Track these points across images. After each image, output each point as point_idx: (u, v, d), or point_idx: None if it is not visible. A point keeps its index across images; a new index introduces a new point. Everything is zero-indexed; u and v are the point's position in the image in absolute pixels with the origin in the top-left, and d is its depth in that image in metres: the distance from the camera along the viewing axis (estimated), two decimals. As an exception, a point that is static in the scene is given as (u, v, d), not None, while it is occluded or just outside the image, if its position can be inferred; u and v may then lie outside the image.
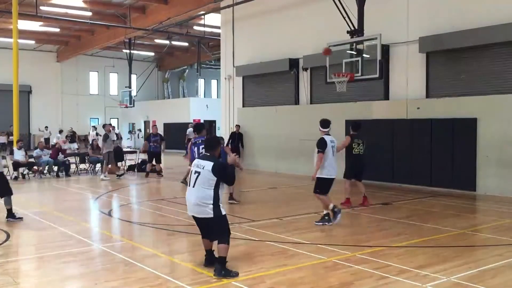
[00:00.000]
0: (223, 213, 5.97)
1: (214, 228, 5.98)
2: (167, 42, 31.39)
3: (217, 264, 5.87)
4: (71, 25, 28.40)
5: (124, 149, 22.29)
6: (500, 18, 12.43)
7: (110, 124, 17.85)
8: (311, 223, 9.11)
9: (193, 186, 5.95)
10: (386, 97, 15.47)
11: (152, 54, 37.93)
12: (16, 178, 16.36)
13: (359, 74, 13.04)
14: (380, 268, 6.18)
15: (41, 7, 22.51)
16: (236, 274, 5.83)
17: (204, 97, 41.97)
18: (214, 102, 34.46)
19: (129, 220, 9.70)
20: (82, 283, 5.89)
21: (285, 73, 18.85)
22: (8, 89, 21.21)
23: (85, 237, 8.04)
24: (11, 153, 16.95)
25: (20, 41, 21.78)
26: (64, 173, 17.61)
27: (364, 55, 13.02)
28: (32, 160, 17.30)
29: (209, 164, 5.90)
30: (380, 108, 15.45)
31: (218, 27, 24.12)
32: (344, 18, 13.27)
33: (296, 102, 18.69)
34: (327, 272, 6.07)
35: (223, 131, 22.41)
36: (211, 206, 5.86)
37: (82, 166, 18.95)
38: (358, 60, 13.07)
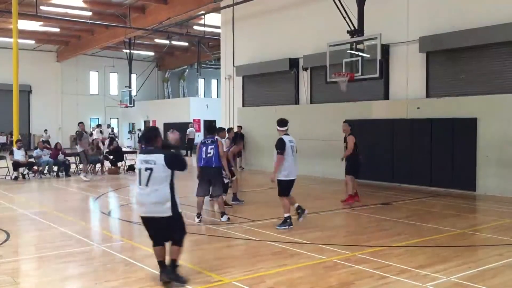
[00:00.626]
0: (180, 210, 5.57)
1: (171, 228, 5.54)
2: (167, 42, 31.39)
3: (170, 268, 5.50)
4: (71, 25, 28.38)
5: (124, 149, 22.28)
6: (500, 18, 12.43)
7: (82, 123, 17.56)
8: (311, 223, 9.11)
9: (146, 185, 5.44)
10: (386, 97, 15.47)
11: (152, 54, 37.93)
12: (16, 178, 16.36)
13: (359, 73, 13.03)
14: (380, 268, 6.18)
15: (41, 7, 22.50)
16: (184, 281, 5.51)
17: (204, 97, 41.96)
18: (214, 102, 34.43)
19: (129, 220, 9.70)
20: (82, 283, 5.89)
21: (285, 73, 18.84)
22: (8, 89, 21.22)
23: (85, 237, 8.04)
24: (11, 153, 16.92)
25: (20, 41, 21.79)
26: (64, 173, 17.61)
27: (364, 54, 13.01)
28: (32, 160, 17.29)
29: (160, 157, 5.42)
30: (380, 108, 15.44)
31: (218, 27, 24.11)
32: (344, 18, 13.27)
33: (296, 102, 18.69)
34: (327, 272, 6.07)
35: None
36: (169, 203, 5.43)
37: (81, 166, 18.92)
38: (358, 60, 13.07)
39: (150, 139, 5.68)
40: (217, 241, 7.90)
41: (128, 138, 39.67)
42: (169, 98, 40.12)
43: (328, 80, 13.80)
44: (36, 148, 19.68)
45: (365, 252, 6.94)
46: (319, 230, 8.65)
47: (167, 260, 5.61)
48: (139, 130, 38.57)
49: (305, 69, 18.15)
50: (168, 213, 5.44)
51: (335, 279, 5.80)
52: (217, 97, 38.26)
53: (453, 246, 7.42)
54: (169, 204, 5.43)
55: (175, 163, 5.49)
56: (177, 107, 35.62)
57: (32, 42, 32.86)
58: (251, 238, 7.93)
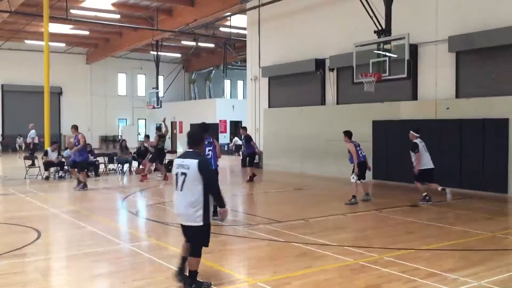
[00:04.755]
0: (210, 221, 5.36)
1: (194, 238, 5.32)
2: (193, 43, 31.63)
3: (189, 278, 5.34)
4: (100, 28, 28.93)
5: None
6: (533, 16, 12.11)
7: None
8: (337, 224, 9.04)
9: (181, 189, 5.25)
10: (415, 97, 15.24)
11: (179, 55, 38.29)
12: (47, 178, 16.73)
13: (387, 74, 12.88)
14: (408, 271, 6.09)
15: (71, 11, 22.97)
16: (208, 285, 5.39)
17: (230, 98, 42.14)
18: (240, 102, 34.55)
19: (156, 220, 9.81)
20: (110, 282, 5.97)
21: (311, 73, 18.76)
22: (40, 91, 21.72)
23: (113, 237, 8.16)
24: (45, 154, 17.32)
25: (51, 44, 22.28)
26: (93, 173, 17.92)
27: (391, 55, 12.85)
28: (62, 160, 17.64)
29: (194, 162, 5.21)
30: (408, 108, 15.22)
31: (244, 28, 24.18)
32: (371, 17, 13.13)
33: (322, 102, 18.58)
34: (354, 275, 6.01)
35: (249, 132, 22.42)
36: (201, 211, 5.19)
37: (110, 166, 19.26)
38: (385, 60, 12.91)
39: (193, 142, 5.47)
40: (242, 242, 7.91)
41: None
42: (195, 99, 40.43)
43: (354, 80, 13.68)
44: (66, 148, 20.10)
45: (393, 255, 6.84)
46: (345, 232, 8.58)
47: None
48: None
49: (331, 69, 18.04)
50: (196, 221, 5.22)
51: (362, 281, 5.74)
52: (243, 98, 38.35)
53: (483, 249, 7.25)
54: (201, 212, 5.20)
55: (205, 171, 5.23)
56: (203, 108, 35.87)
57: (63, 45, 33.60)
58: (276, 239, 7.91)
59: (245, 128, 17.24)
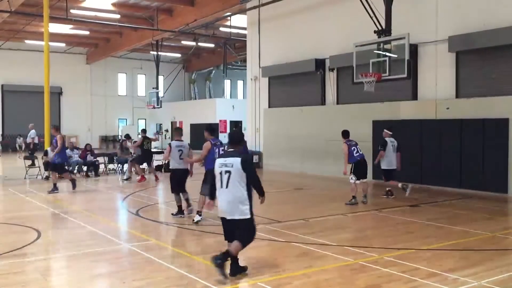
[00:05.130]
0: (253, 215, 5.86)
1: (243, 229, 5.79)
2: (193, 43, 31.65)
3: (232, 264, 5.78)
4: (100, 27, 28.96)
5: (152, 150, 22.40)
6: (533, 16, 12.11)
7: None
8: (337, 224, 9.04)
9: (226, 187, 5.71)
10: (415, 97, 15.24)
11: (179, 55, 38.30)
12: (47, 177, 16.72)
13: (387, 74, 12.88)
14: (408, 271, 6.09)
15: (71, 11, 22.97)
16: (245, 269, 5.92)
17: (230, 97, 42.16)
18: (240, 102, 34.57)
19: (156, 220, 9.81)
20: (110, 282, 5.97)
21: (311, 73, 18.77)
22: (40, 91, 21.72)
23: (113, 236, 8.16)
24: (45, 154, 17.30)
25: (51, 43, 22.27)
26: (93, 173, 17.92)
27: (391, 55, 12.85)
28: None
29: (237, 160, 5.69)
30: (408, 108, 15.23)
31: (244, 28, 24.18)
32: (371, 17, 13.14)
33: (322, 102, 18.59)
34: (354, 275, 6.01)
35: (249, 132, 22.45)
36: (246, 206, 5.70)
37: (110, 166, 19.25)
38: (385, 60, 12.92)
39: (235, 142, 5.99)
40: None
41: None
42: (195, 99, 40.45)
43: (354, 80, 13.69)
44: (66, 148, 20.05)
45: (393, 255, 6.84)
46: (345, 232, 8.58)
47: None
48: (166, 130, 39.02)
49: (331, 69, 18.05)
50: (247, 215, 5.70)
51: (362, 281, 5.74)
52: (243, 98, 38.38)
53: (483, 249, 7.25)
54: (247, 206, 5.69)
55: (247, 168, 5.70)
56: (203, 108, 35.89)
57: (63, 45, 33.61)
58: (277, 239, 7.91)
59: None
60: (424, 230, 8.74)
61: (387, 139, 12.12)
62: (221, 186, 5.76)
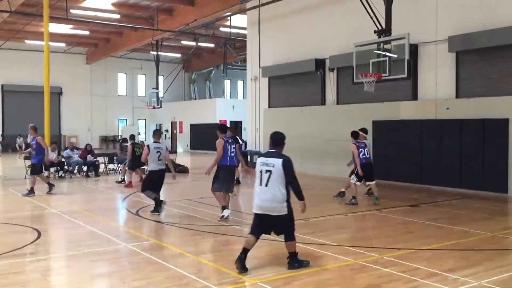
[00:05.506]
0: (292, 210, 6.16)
1: (284, 225, 6.15)
2: (193, 43, 31.65)
3: (290, 258, 6.17)
4: (100, 27, 28.95)
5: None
6: (533, 16, 12.10)
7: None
8: (337, 224, 9.04)
9: (266, 185, 6.05)
10: (415, 97, 15.24)
11: (179, 55, 38.30)
12: (47, 177, 16.68)
13: (387, 74, 12.88)
14: (408, 271, 6.09)
15: (71, 11, 22.96)
16: (307, 263, 6.21)
17: (230, 98, 42.15)
18: (240, 102, 34.56)
19: (156, 220, 9.81)
20: (110, 282, 5.97)
21: (311, 73, 18.76)
22: (40, 91, 21.72)
23: (113, 236, 8.16)
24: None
25: (51, 43, 22.27)
26: (93, 173, 17.92)
27: (391, 55, 12.85)
28: (62, 159, 17.64)
29: (278, 161, 6.04)
30: (408, 108, 15.23)
31: (244, 28, 24.18)
32: (371, 17, 13.13)
33: (323, 102, 18.59)
34: (354, 275, 6.01)
35: (249, 132, 22.44)
36: (286, 203, 6.05)
37: (110, 166, 19.25)
38: (385, 60, 12.91)
39: (277, 143, 6.33)
40: (242, 242, 7.87)
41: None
42: (195, 99, 40.44)
43: (354, 80, 13.69)
44: (66, 148, 20.07)
45: (393, 255, 6.84)
46: (345, 232, 8.58)
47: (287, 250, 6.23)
48: (166, 131, 39.02)
49: (331, 69, 18.04)
50: (284, 212, 6.06)
51: (362, 281, 5.74)
52: (243, 98, 38.39)
53: (483, 249, 7.25)
54: (286, 203, 6.06)
55: (288, 171, 6.06)
56: (203, 108, 35.89)
57: (63, 45, 33.60)
58: (277, 239, 7.90)
59: (231, 128, 16.31)
60: (424, 230, 8.74)
61: (366, 141, 12.03)
62: (260, 184, 6.10)
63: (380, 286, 5.57)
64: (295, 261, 6.16)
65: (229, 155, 9.50)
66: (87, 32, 30.46)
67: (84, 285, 5.82)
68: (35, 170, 13.20)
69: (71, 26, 27.12)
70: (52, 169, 17.14)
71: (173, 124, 38.61)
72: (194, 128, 34.72)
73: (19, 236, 8.19)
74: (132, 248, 7.42)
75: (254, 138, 21.87)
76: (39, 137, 13.37)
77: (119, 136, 36.42)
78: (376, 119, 15.80)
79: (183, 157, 28.08)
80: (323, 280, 5.81)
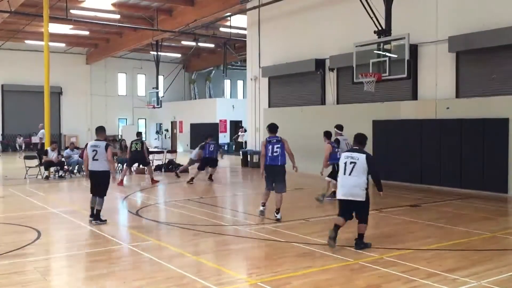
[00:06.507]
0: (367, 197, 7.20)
1: (362, 210, 7.22)
2: (193, 43, 31.62)
3: (358, 240, 7.22)
4: (100, 28, 28.91)
5: (151, 149, 22.36)
6: (533, 16, 12.10)
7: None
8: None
9: (350, 174, 7.14)
10: (415, 97, 15.24)
11: (179, 55, 38.27)
12: (47, 177, 16.73)
13: (387, 74, 12.88)
14: (408, 271, 6.09)
15: (71, 11, 22.94)
16: (370, 245, 7.24)
17: (230, 97, 42.12)
18: (240, 102, 34.55)
19: (156, 220, 9.81)
20: (110, 282, 5.97)
21: (311, 73, 18.77)
22: (40, 91, 21.71)
23: (113, 237, 8.17)
24: (45, 153, 17.31)
25: (51, 44, 22.26)
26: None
27: (391, 55, 12.85)
28: (62, 159, 17.65)
29: (362, 156, 7.15)
30: (408, 108, 15.22)
31: (244, 29, 24.18)
32: (371, 17, 13.13)
33: (323, 102, 18.58)
34: (354, 275, 6.02)
35: (249, 132, 22.43)
36: (365, 191, 7.12)
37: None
38: (385, 60, 12.91)
39: (361, 142, 7.46)
40: (243, 241, 7.91)
41: (155, 139, 40.19)
42: (195, 99, 40.43)
43: (354, 80, 13.69)
44: (66, 148, 20.07)
45: (393, 255, 6.85)
46: (346, 232, 8.57)
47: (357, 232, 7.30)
48: (166, 130, 39.03)
49: (331, 69, 18.04)
50: (362, 198, 7.14)
51: (362, 281, 5.74)
52: (243, 98, 38.38)
53: (483, 249, 7.26)
54: (365, 191, 7.14)
55: (371, 165, 7.17)
56: (203, 108, 35.87)
57: (63, 45, 33.57)
58: (277, 239, 7.91)
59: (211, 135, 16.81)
60: (424, 230, 8.74)
61: (339, 137, 12.36)
62: (344, 174, 7.22)
63: (380, 286, 5.57)
64: (361, 243, 7.16)
65: (269, 155, 9.61)
66: (87, 32, 30.43)
67: (84, 285, 5.82)
68: None
69: (71, 26, 27.09)
70: (52, 169, 17.16)
71: (173, 124, 38.61)
72: (194, 128, 34.70)
73: (19, 236, 8.19)
74: (132, 248, 7.43)
75: (254, 138, 21.86)
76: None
77: (119, 136, 36.40)
78: (376, 119, 15.80)
79: (183, 157, 28.06)
80: (323, 280, 5.81)
